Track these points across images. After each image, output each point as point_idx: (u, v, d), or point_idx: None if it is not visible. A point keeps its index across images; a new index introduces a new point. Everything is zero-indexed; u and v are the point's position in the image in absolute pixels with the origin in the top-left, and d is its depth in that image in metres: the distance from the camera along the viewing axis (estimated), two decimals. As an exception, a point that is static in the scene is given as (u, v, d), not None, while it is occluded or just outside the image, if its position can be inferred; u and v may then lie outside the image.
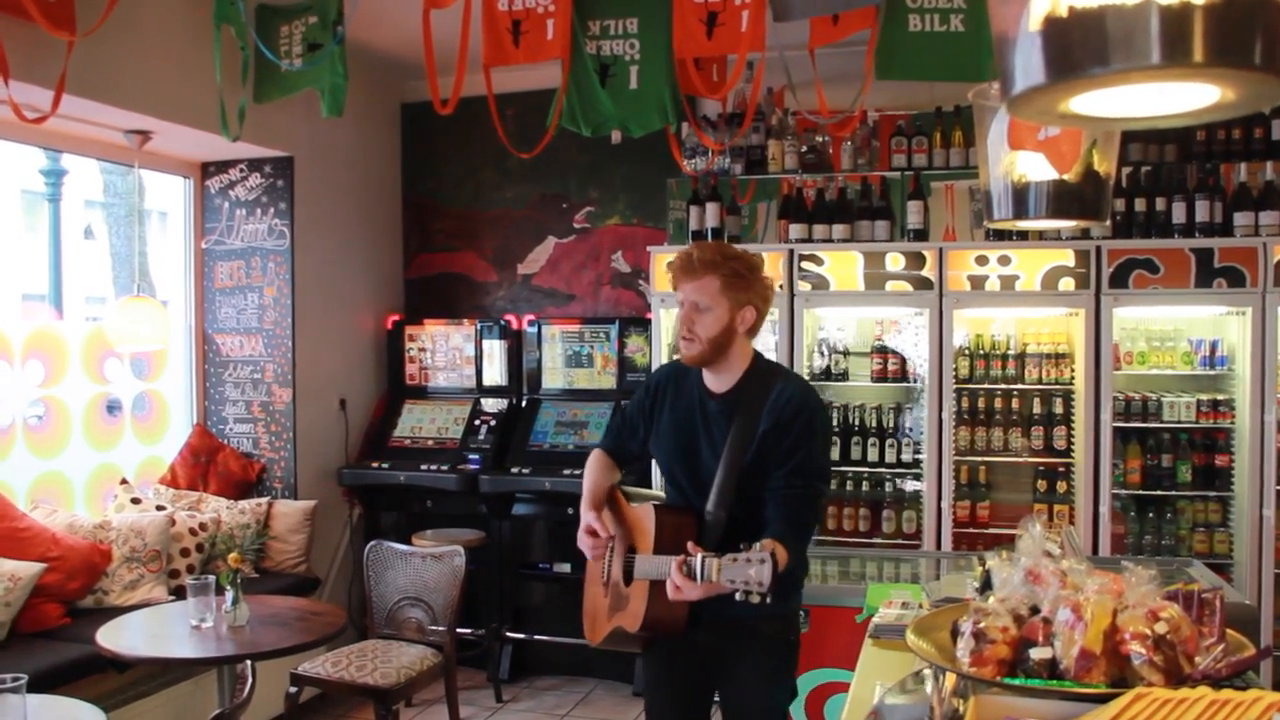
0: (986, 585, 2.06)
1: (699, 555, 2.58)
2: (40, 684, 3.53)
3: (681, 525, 2.84)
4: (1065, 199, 2.80)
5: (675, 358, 2.99)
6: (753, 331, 2.91)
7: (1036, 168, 2.73)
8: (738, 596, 2.50)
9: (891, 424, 5.45)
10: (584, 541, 2.97)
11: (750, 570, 2.47)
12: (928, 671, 2.10)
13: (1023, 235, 5.16)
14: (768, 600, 2.50)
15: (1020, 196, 2.83)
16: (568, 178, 6.36)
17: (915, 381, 5.38)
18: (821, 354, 5.54)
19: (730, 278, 2.82)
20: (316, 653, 4.41)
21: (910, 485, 5.45)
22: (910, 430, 5.42)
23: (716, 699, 3.05)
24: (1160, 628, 1.67)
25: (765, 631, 2.87)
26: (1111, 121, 1.42)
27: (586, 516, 2.98)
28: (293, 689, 4.43)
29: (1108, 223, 4.90)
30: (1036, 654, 1.72)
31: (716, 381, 2.92)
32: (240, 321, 5.80)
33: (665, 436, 2.99)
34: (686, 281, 2.83)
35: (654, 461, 3.74)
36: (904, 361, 5.43)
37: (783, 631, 2.92)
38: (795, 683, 3.00)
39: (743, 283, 2.83)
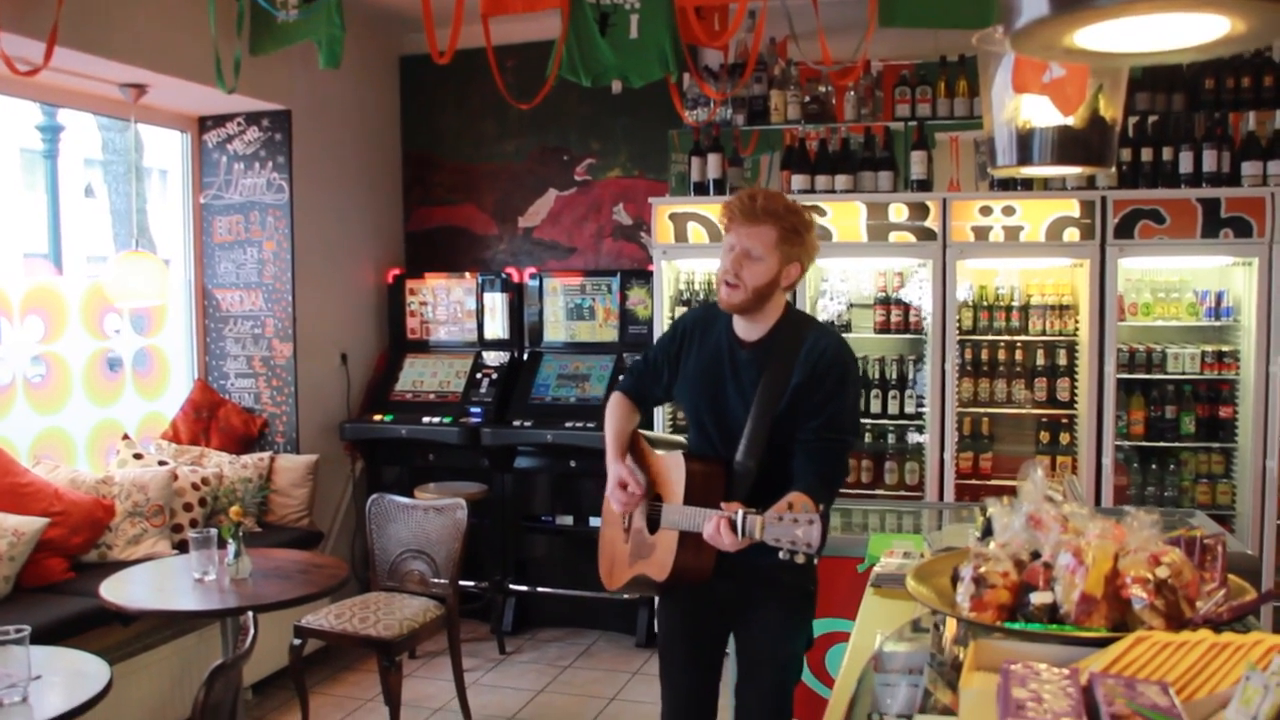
0: (988, 533, 2.05)
1: (740, 511, 2.55)
2: (45, 637, 3.54)
3: (711, 475, 2.81)
4: (1070, 145, 2.76)
5: (710, 301, 2.93)
6: (791, 288, 2.87)
7: (1041, 112, 2.69)
8: (781, 555, 2.48)
9: (895, 376, 5.43)
10: (616, 495, 2.93)
11: (798, 530, 2.44)
12: (928, 618, 2.09)
13: (1027, 185, 5.11)
14: (814, 561, 2.49)
15: (1025, 143, 2.79)
16: (568, 130, 6.30)
17: (919, 334, 5.36)
18: (824, 306, 5.52)
19: (788, 232, 2.76)
20: (320, 605, 4.43)
21: (913, 437, 5.44)
22: (915, 384, 5.40)
23: (730, 650, 3.05)
24: (1162, 572, 1.66)
25: (785, 580, 2.85)
26: (1117, 57, 1.39)
27: (615, 468, 2.95)
28: (296, 641, 4.45)
29: (1113, 171, 4.87)
30: (1037, 599, 1.71)
31: (748, 329, 2.87)
32: (240, 276, 5.77)
33: (692, 381, 2.94)
34: (744, 226, 2.76)
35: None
36: (907, 312, 5.40)
37: (802, 581, 2.90)
38: (812, 631, 3.00)
39: (798, 238, 2.78)
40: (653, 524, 2.90)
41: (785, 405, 2.76)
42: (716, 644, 3.06)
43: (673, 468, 2.86)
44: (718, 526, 2.57)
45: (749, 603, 2.91)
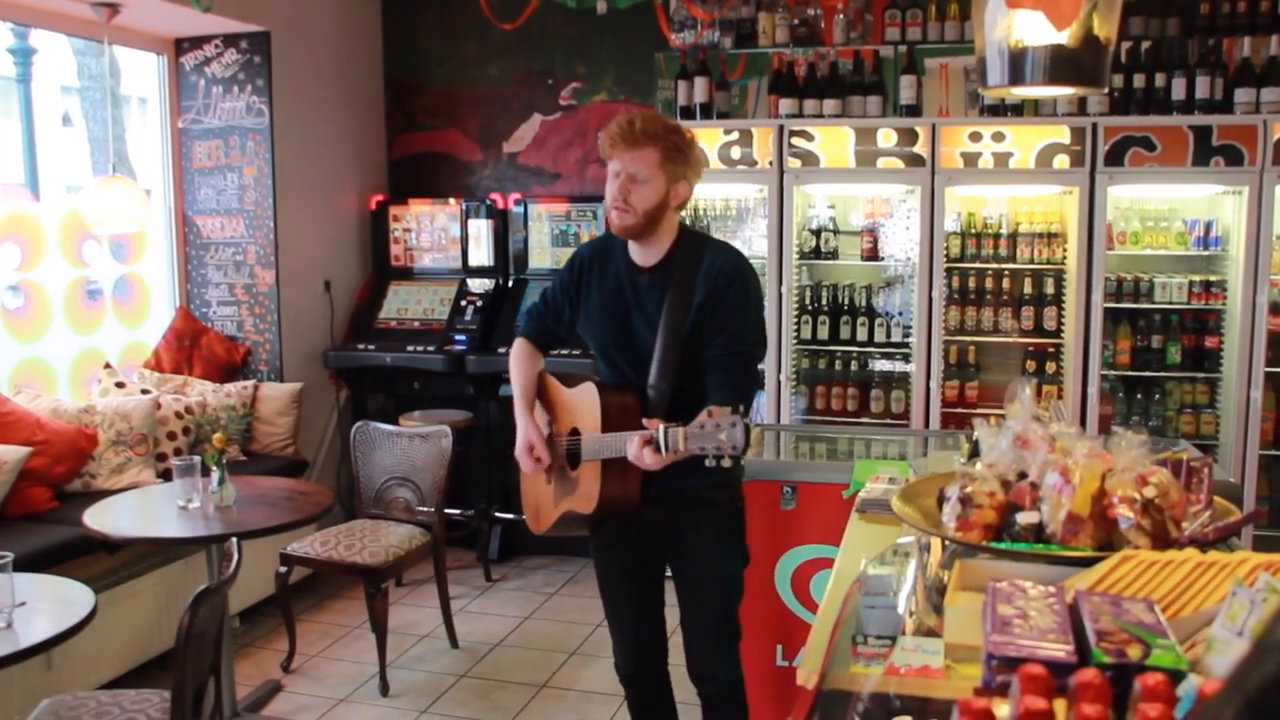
0: (974, 454, 2.04)
1: (661, 427, 2.54)
2: (30, 565, 3.53)
3: (626, 402, 2.79)
4: (1063, 65, 2.70)
5: (607, 233, 2.91)
6: (682, 206, 2.85)
7: (1034, 30, 2.63)
8: (708, 462, 2.47)
9: (880, 303, 5.41)
10: (525, 460, 2.93)
11: (721, 435, 2.43)
12: (909, 540, 2.09)
13: (1017, 111, 5.05)
14: (741, 464, 2.48)
15: (1017, 62, 2.73)
16: (553, 53, 6.18)
17: (901, 262, 5.33)
18: (810, 232, 5.47)
19: (671, 151, 2.75)
20: (305, 533, 4.43)
21: (898, 365, 5.43)
22: (902, 313, 5.38)
23: (669, 574, 3.04)
24: (1149, 491, 1.65)
25: (714, 501, 2.87)
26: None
27: (526, 427, 2.94)
28: (282, 569, 4.46)
29: (1105, 96, 4.82)
30: (1023, 518, 1.70)
31: (644, 255, 2.86)
32: (220, 202, 5.69)
33: (596, 315, 2.93)
34: (626, 151, 2.74)
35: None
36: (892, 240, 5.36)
37: (730, 500, 2.92)
38: (747, 548, 2.99)
39: (681, 156, 2.77)
40: (573, 459, 2.87)
41: (691, 324, 2.76)
42: (654, 576, 3.05)
43: (586, 400, 2.84)
44: (640, 446, 2.56)
45: (680, 529, 2.90)
